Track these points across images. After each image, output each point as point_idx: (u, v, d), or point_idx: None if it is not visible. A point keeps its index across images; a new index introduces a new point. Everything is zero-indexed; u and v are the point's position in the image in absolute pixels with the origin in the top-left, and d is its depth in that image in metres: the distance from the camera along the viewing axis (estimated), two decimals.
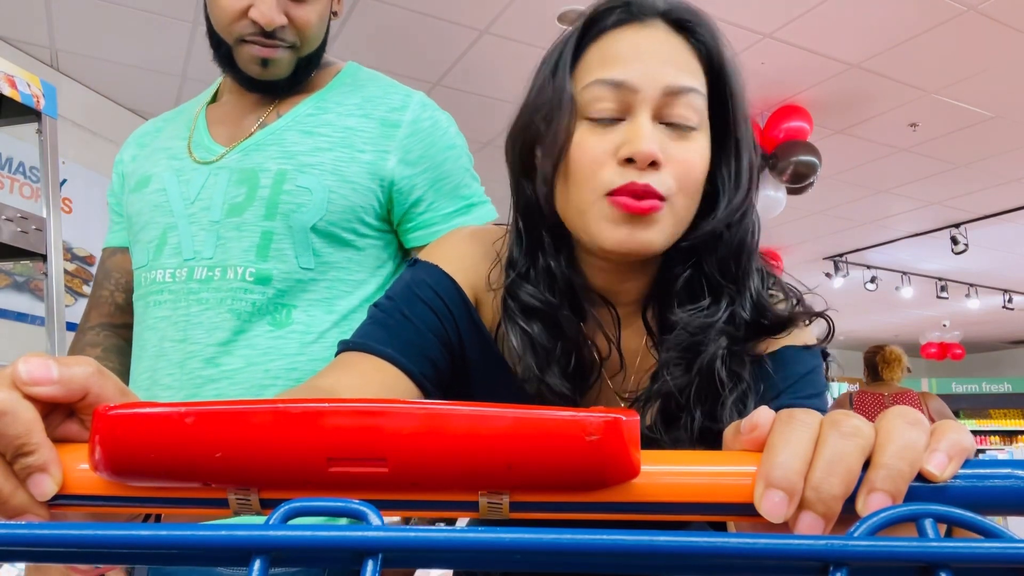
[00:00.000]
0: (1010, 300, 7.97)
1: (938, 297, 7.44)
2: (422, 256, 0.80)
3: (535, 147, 0.72)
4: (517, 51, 3.57)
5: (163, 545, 0.28)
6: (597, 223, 0.67)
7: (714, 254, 0.71)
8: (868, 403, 3.81)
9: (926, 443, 0.34)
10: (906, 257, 6.74)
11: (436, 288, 0.76)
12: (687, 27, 0.69)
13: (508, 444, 0.31)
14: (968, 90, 3.84)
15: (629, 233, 0.66)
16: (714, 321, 0.70)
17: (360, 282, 1.07)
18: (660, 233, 0.67)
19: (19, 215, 1.49)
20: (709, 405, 0.71)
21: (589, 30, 0.71)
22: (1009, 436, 9.92)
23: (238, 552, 0.27)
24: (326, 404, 0.32)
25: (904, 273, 7.15)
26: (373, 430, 0.32)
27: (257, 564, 0.27)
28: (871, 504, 0.32)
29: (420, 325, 0.73)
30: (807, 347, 0.74)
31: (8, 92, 1.50)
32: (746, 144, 0.72)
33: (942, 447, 0.33)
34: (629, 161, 0.65)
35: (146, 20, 3.39)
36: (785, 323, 0.72)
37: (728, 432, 0.38)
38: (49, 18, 3.39)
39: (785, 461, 0.33)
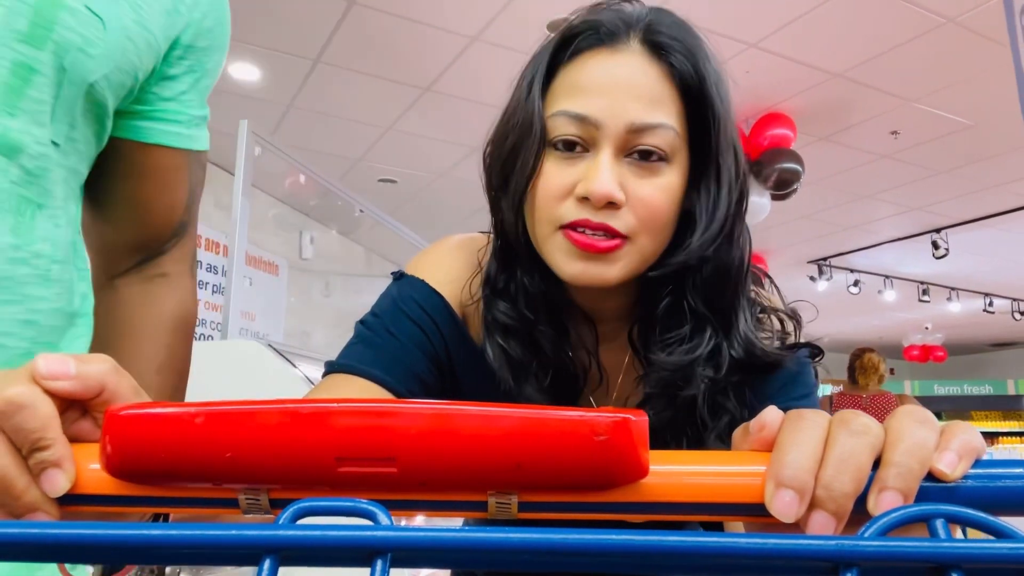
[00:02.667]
0: (991, 303, 8.04)
1: (920, 300, 7.50)
2: (408, 269, 0.77)
3: (505, 168, 0.69)
4: (507, 58, 3.60)
5: (173, 545, 0.28)
6: (554, 255, 0.66)
7: (694, 283, 0.68)
8: (847, 405, 3.88)
9: (936, 442, 0.33)
10: (889, 261, 6.81)
11: (423, 304, 0.73)
12: (664, 52, 0.66)
13: (517, 444, 0.31)
14: (947, 99, 3.89)
15: (584, 268, 0.64)
16: (695, 358, 0.67)
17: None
18: (620, 269, 0.65)
19: None
20: (694, 434, 0.70)
21: (561, 51, 0.68)
22: (990, 437, 10.03)
23: (247, 552, 0.28)
24: (335, 404, 0.33)
25: (887, 277, 7.20)
26: (382, 430, 0.32)
27: (267, 564, 0.27)
28: (883, 503, 0.32)
29: (407, 342, 0.71)
30: (794, 347, 0.72)
31: None
32: (727, 172, 0.68)
33: (953, 446, 0.33)
34: (586, 199, 0.63)
35: None
36: (775, 363, 0.69)
37: (737, 433, 0.38)
38: None
39: (795, 460, 0.33)
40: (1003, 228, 5.87)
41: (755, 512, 0.33)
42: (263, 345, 1.86)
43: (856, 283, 7.01)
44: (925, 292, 7.44)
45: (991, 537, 0.27)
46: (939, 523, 0.28)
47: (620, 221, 0.63)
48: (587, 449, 0.31)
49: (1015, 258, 6.68)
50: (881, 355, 4.05)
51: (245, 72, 3.85)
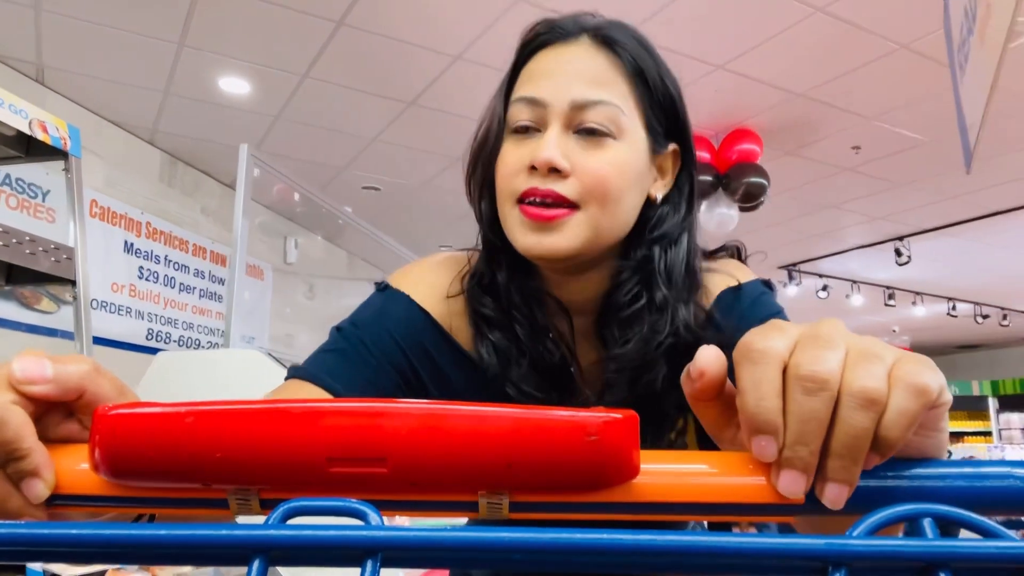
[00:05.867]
0: (954, 307, 8.16)
1: (886, 305, 7.63)
2: (392, 282, 0.77)
3: (478, 158, 0.74)
4: (489, 76, 3.73)
5: (162, 545, 0.27)
6: (512, 229, 0.69)
7: (658, 270, 0.71)
8: None
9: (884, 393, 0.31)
10: (855, 267, 6.94)
11: (406, 320, 0.74)
12: (610, 43, 0.70)
13: (508, 444, 0.31)
14: (903, 117, 4.03)
15: (538, 239, 0.67)
16: (655, 343, 0.69)
17: None
18: (571, 239, 0.67)
19: (52, 246, 1.67)
20: (653, 427, 0.71)
21: (523, 51, 0.74)
22: (956, 437, 10.27)
23: (237, 552, 0.27)
24: (326, 404, 0.32)
25: (853, 282, 7.33)
26: (373, 430, 0.31)
27: (256, 564, 0.27)
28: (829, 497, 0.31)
29: (380, 358, 0.71)
30: (742, 285, 0.74)
31: (40, 136, 1.67)
32: (687, 155, 0.74)
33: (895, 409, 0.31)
34: (534, 168, 0.66)
35: (132, 38, 3.42)
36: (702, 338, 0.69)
37: (683, 376, 0.37)
38: (38, 35, 3.48)
39: (758, 406, 0.32)
40: (963, 236, 6.01)
41: (746, 511, 0.33)
42: (263, 354, 2.00)
43: (824, 288, 7.11)
44: (891, 297, 7.56)
45: (980, 536, 0.27)
46: (927, 522, 0.28)
47: (567, 187, 0.66)
48: (578, 449, 0.31)
49: (976, 264, 6.82)
50: None
51: (235, 86, 3.88)
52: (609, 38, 0.70)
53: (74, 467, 0.34)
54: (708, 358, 0.35)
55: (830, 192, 5.23)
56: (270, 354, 1.99)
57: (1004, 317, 8.77)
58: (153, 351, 4.36)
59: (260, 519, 0.29)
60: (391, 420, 0.32)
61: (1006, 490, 0.31)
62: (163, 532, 0.27)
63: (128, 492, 0.33)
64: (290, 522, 0.29)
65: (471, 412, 0.32)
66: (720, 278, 0.76)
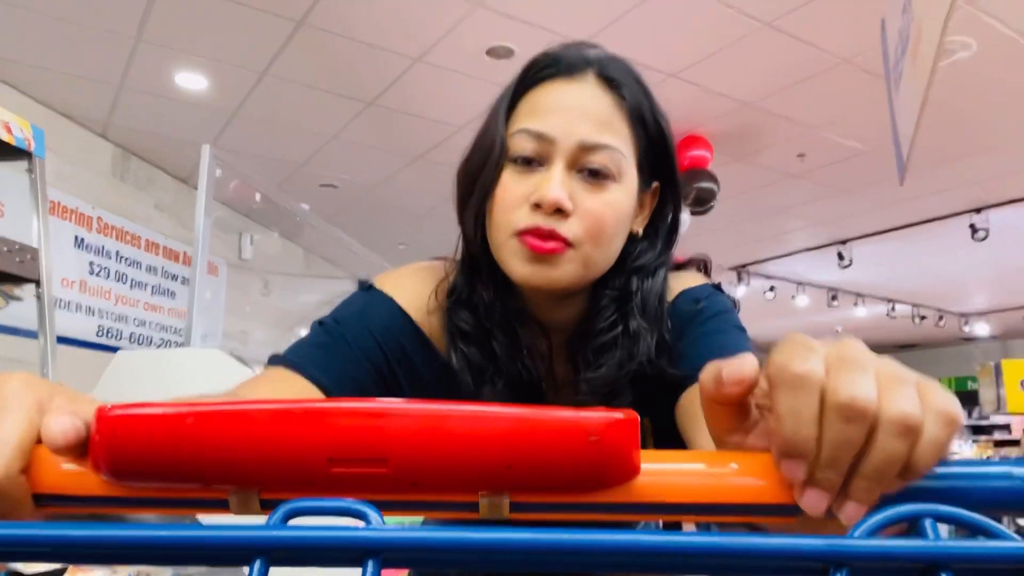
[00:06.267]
0: (893, 308, 8.39)
1: (829, 305, 7.81)
2: (378, 285, 0.78)
3: (471, 181, 0.74)
4: (449, 78, 3.71)
5: (163, 545, 0.27)
6: (508, 259, 0.70)
7: (635, 299, 0.73)
8: None
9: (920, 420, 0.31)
10: (800, 269, 7.11)
11: (390, 320, 0.75)
12: (616, 84, 0.71)
13: (509, 444, 0.31)
14: (844, 128, 4.18)
15: (534, 271, 0.68)
16: (627, 370, 0.71)
17: None
18: (566, 273, 0.69)
19: (17, 246, 1.67)
20: None
21: (525, 80, 0.73)
22: None
23: (237, 552, 0.27)
24: (327, 404, 0.32)
25: (799, 283, 7.50)
26: (374, 430, 0.31)
27: (257, 564, 0.27)
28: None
29: (360, 355, 0.72)
30: (694, 288, 0.76)
31: (4, 137, 1.67)
32: (670, 197, 0.76)
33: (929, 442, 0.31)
34: (538, 206, 0.67)
35: (88, 32, 3.36)
36: (681, 381, 0.71)
37: (706, 379, 0.35)
38: None
39: (796, 434, 0.31)
40: (901, 241, 6.20)
41: (747, 512, 0.33)
42: (224, 353, 1.99)
43: (771, 289, 7.28)
44: (834, 298, 7.76)
45: (980, 537, 0.27)
46: (928, 523, 0.28)
47: (567, 228, 0.67)
48: (579, 449, 0.31)
49: (914, 268, 7.03)
50: None
51: (192, 82, 3.83)
52: (613, 80, 0.71)
53: (73, 467, 0.34)
54: (749, 368, 0.34)
55: (777, 197, 5.37)
56: (231, 353, 2.01)
57: (940, 318, 9.02)
58: (104, 348, 4.29)
59: (261, 520, 0.29)
60: (392, 420, 0.32)
61: (1006, 490, 0.31)
62: (163, 533, 0.27)
63: (129, 492, 0.33)
64: (291, 523, 0.29)
65: (472, 412, 0.32)
66: (678, 285, 0.78)
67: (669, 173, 0.76)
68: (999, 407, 5.05)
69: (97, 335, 4.36)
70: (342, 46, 3.48)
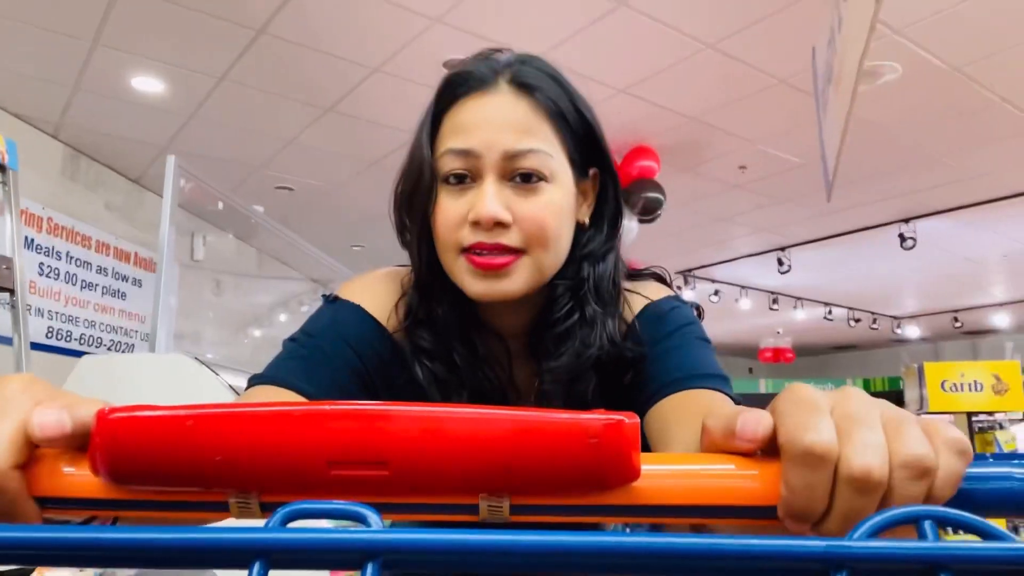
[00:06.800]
0: (830, 312, 8.63)
1: (770, 309, 8.02)
2: (343, 294, 0.78)
3: (410, 206, 0.74)
4: (406, 88, 3.71)
5: (163, 548, 0.27)
6: (460, 277, 0.70)
7: (588, 288, 0.74)
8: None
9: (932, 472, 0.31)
10: (744, 273, 7.29)
11: (361, 328, 0.75)
12: (530, 88, 0.71)
13: (508, 447, 0.31)
14: (782, 142, 4.36)
15: (488, 286, 0.69)
16: (587, 355, 0.72)
17: None
18: (519, 282, 0.69)
19: None
20: None
21: (442, 100, 0.73)
22: None
23: (237, 555, 0.27)
24: (327, 407, 0.31)
25: (742, 287, 7.68)
26: (374, 433, 0.31)
27: (256, 567, 0.27)
28: None
29: (340, 364, 0.72)
30: (659, 300, 0.77)
31: None
32: (609, 184, 0.76)
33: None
34: (478, 223, 0.68)
35: (43, 35, 3.31)
36: (637, 357, 0.73)
37: (716, 427, 0.35)
38: None
39: (809, 507, 0.32)
40: (837, 248, 6.42)
41: (747, 514, 0.33)
42: (190, 358, 1.99)
43: (716, 292, 7.45)
44: (775, 301, 7.98)
45: (980, 538, 0.27)
46: (927, 524, 0.28)
47: (510, 238, 0.68)
48: (579, 451, 0.31)
49: (849, 273, 7.27)
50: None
51: (147, 85, 3.78)
52: (526, 84, 0.71)
53: (74, 470, 0.33)
54: (764, 429, 0.33)
55: (720, 206, 5.54)
56: (196, 357, 2.06)
57: (874, 321, 9.28)
58: (55, 350, 4.25)
59: (261, 522, 0.29)
60: (392, 423, 0.31)
61: (1006, 491, 0.31)
62: (165, 535, 0.27)
63: (128, 495, 0.32)
64: (290, 525, 0.28)
65: (472, 415, 0.32)
66: (641, 297, 0.78)
67: (602, 158, 0.76)
68: (922, 407, 5.36)
69: (47, 337, 4.29)
70: (302, 54, 3.50)
